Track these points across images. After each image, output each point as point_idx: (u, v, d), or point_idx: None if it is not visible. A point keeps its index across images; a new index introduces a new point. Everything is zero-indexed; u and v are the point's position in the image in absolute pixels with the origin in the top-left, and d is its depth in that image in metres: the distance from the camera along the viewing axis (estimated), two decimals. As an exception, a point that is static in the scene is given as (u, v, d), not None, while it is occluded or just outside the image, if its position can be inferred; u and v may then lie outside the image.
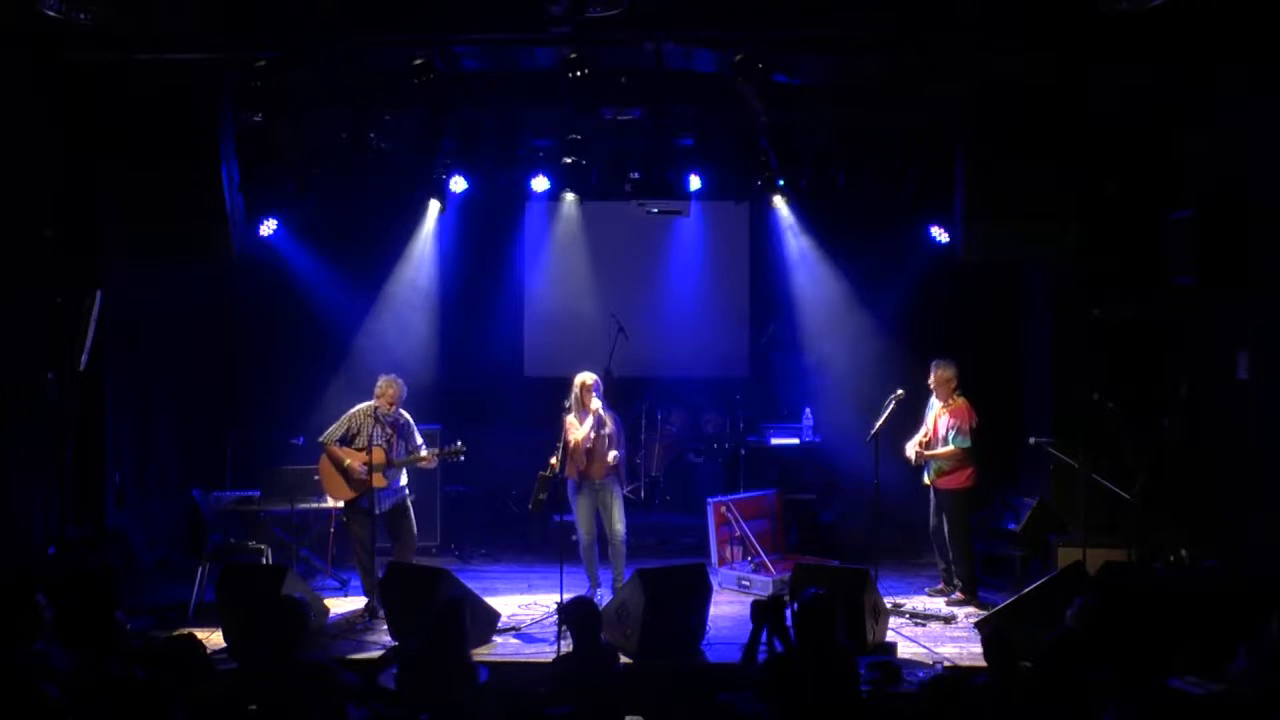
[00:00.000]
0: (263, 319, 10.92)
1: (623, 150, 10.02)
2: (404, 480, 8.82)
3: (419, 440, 8.76)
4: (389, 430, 8.58)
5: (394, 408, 8.60)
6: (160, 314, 10.11)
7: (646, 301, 11.38)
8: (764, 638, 6.14)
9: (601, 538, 8.91)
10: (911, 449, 9.00)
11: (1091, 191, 8.66)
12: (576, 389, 8.76)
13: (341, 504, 8.66)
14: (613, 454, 8.69)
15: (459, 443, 8.71)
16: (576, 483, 8.77)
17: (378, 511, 8.55)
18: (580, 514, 8.84)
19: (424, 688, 5.76)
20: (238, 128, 8.51)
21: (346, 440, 8.47)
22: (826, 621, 5.82)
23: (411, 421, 8.78)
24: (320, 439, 8.65)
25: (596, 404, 8.71)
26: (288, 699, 5.49)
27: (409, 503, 8.82)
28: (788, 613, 6.07)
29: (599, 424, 8.71)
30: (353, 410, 8.65)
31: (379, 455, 8.45)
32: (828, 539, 10.41)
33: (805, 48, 8.11)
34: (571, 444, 8.68)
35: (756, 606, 6.12)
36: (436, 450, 8.77)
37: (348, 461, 8.44)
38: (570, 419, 8.76)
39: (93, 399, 8.74)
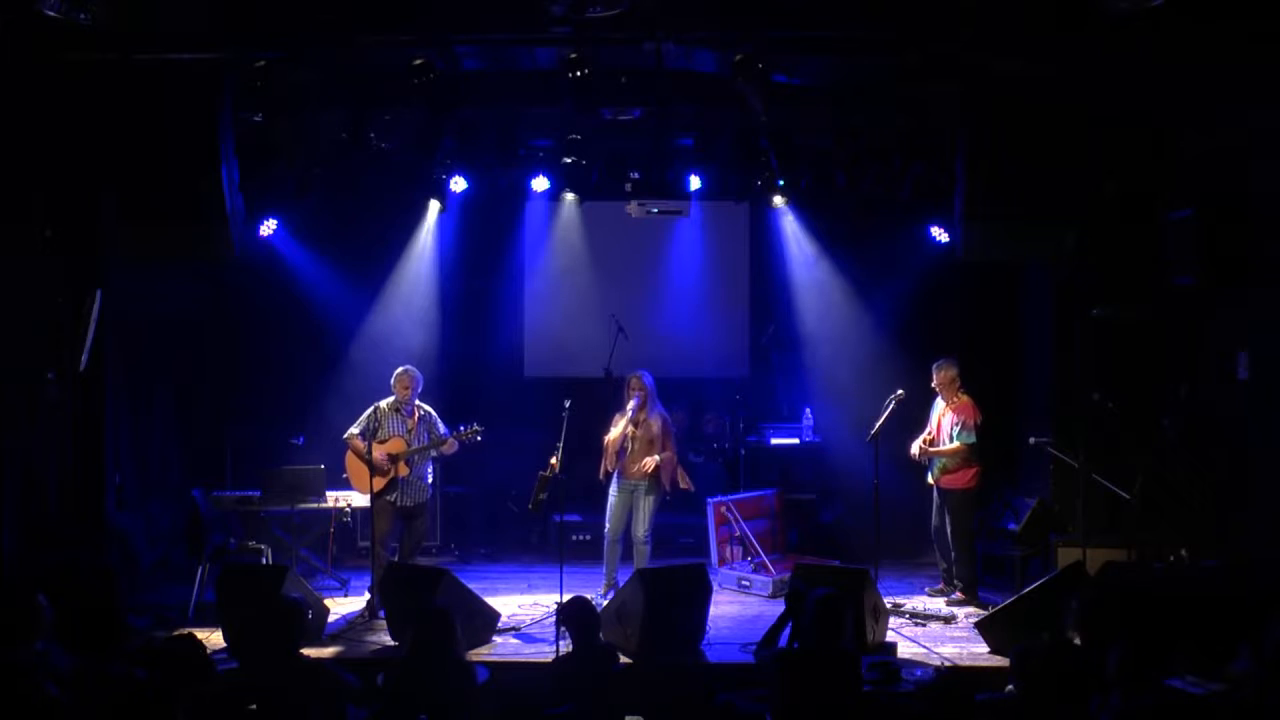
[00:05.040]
0: (263, 319, 10.91)
1: (623, 150, 10.01)
2: (431, 478, 8.93)
3: (443, 429, 8.82)
4: (409, 421, 8.71)
5: (408, 392, 8.71)
6: (160, 314, 10.10)
7: (646, 301, 11.36)
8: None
9: (626, 537, 8.95)
10: (916, 446, 9.01)
11: (1091, 191, 8.65)
12: (624, 388, 9.00)
13: (367, 500, 8.70)
14: (650, 459, 8.76)
15: (475, 424, 8.77)
16: (615, 479, 8.89)
17: (400, 504, 8.65)
18: (611, 510, 8.95)
19: (415, 689, 5.75)
20: (238, 128, 8.50)
21: (370, 435, 8.53)
22: (835, 622, 5.84)
23: (433, 413, 8.89)
24: (344, 436, 8.75)
25: (631, 404, 8.80)
26: (288, 699, 5.50)
27: (427, 503, 8.97)
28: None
29: (634, 424, 8.78)
30: (374, 406, 8.77)
31: (399, 445, 8.64)
32: (828, 539, 10.41)
33: (805, 48, 8.11)
34: (604, 441, 8.87)
35: (794, 597, 6.19)
36: (455, 434, 8.81)
37: (369, 454, 8.49)
38: (617, 416, 8.96)
39: (93, 399, 8.74)
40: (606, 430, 9.02)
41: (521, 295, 11.69)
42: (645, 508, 8.86)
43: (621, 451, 8.86)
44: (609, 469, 8.93)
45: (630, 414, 8.83)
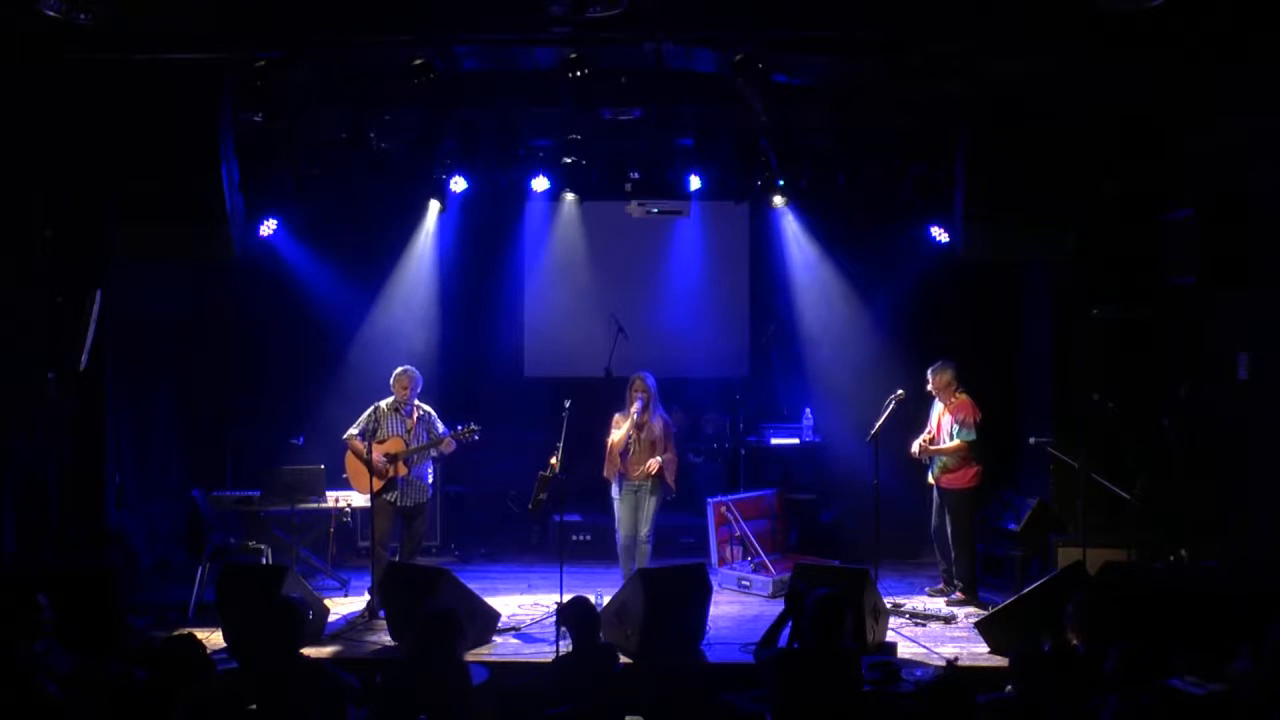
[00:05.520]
0: (263, 319, 10.91)
1: (623, 150, 10.01)
2: (431, 478, 8.92)
3: (441, 428, 8.83)
4: (408, 421, 8.71)
5: (407, 392, 8.71)
6: (160, 314, 10.11)
7: (646, 301, 11.36)
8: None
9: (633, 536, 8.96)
10: (916, 445, 9.01)
11: (1091, 191, 8.65)
12: (627, 390, 8.96)
13: (367, 500, 8.70)
14: (654, 461, 8.77)
15: (473, 423, 8.76)
16: (619, 482, 8.88)
17: (400, 504, 8.66)
18: (619, 513, 8.96)
19: (414, 690, 5.75)
20: (238, 128, 8.50)
21: (369, 435, 8.53)
22: (836, 622, 5.83)
23: (433, 412, 8.90)
24: (344, 437, 8.76)
25: (635, 406, 8.79)
26: (287, 699, 5.50)
27: (427, 503, 8.97)
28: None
29: (637, 427, 8.78)
30: (373, 406, 8.77)
31: (397, 444, 8.64)
32: (828, 539, 10.41)
33: (805, 48, 8.10)
34: (607, 445, 8.88)
35: (793, 597, 6.19)
36: (453, 434, 8.79)
37: (368, 455, 8.48)
38: (617, 417, 8.93)
39: (93, 399, 8.75)
40: (607, 433, 9.01)
41: (521, 295, 11.69)
42: (649, 508, 8.87)
43: (625, 453, 8.85)
44: (615, 471, 8.91)
45: (635, 416, 8.83)
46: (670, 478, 8.93)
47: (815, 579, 7.37)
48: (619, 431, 8.89)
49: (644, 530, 8.86)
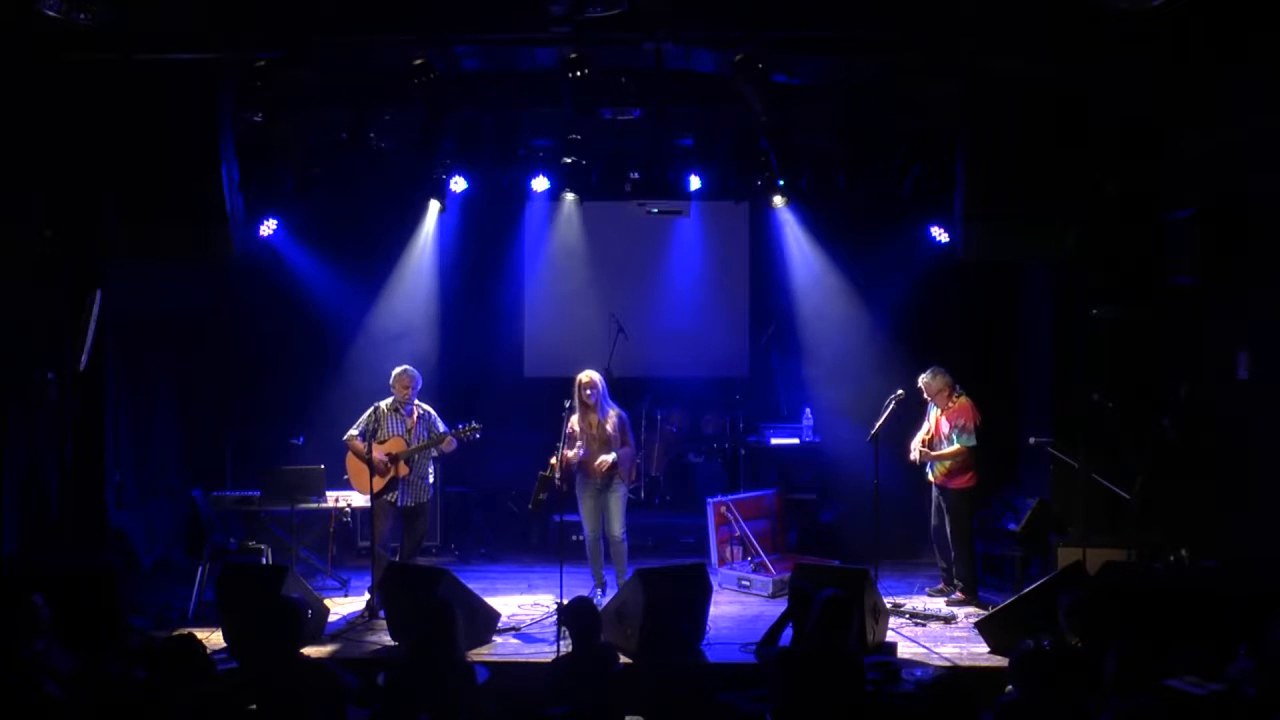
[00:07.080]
0: (263, 319, 10.92)
1: (623, 150, 10.01)
2: (432, 478, 8.92)
3: (441, 427, 8.81)
4: (409, 420, 8.72)
5: (408, 392, 8.71)
6: (160, 314, 10.11)
7: (646, 301, 11.37)
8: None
9: (605, 536, 8.92)
10: (915, 447, 9.00)
11: (1091, 191, 8.65)
12: (574, 388, 8.77)
13: (367, 500, 8.69)
14: (606, 457, 8.65)
15: (473, 421, 8.73)
16: (580, 480, 8.79)
17: (400, 504, 8.66)
18: (584, 511, 8.86)
19: (416, 689, 5.75)
20: (238, 128, 8.50)
21: (370, 435, 8.52)
22: (843, 623, 5.83)
23: (433, 412, 8.88)
24: (344, 438, 8.75)
25: (590, 404, 8.73)
26: (288, 699, 5.50)
27: (428, 503, 8.96)
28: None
29: (589, 425, 8.70)
30: (373, 406, 8.77)
31: (398, 444, 8.64)
32: (828, 539, 10.41)
33: (805, 48, 8.11)
34: (564, 435, 8.75)
35: (798, 597, 6.19)
36: (454, 432, 8.76)
37: (369, 455, 8.47)
38: (573, 419, 8.78)
39: (93, 399, 8.75)
40: (568, 430, 8.76)
41: (521, 295, 11.70)
42: (614, 505, 8.75)
43: (583, 453, 8.70)
44: (568, 466, 8.66)
45: (587, 415, 8.69)
46: (626, 472, 8.81)
47: (815, 579, 7.36)
48: (574, 426, 8.77)
49: (616, 529, 8.76)
